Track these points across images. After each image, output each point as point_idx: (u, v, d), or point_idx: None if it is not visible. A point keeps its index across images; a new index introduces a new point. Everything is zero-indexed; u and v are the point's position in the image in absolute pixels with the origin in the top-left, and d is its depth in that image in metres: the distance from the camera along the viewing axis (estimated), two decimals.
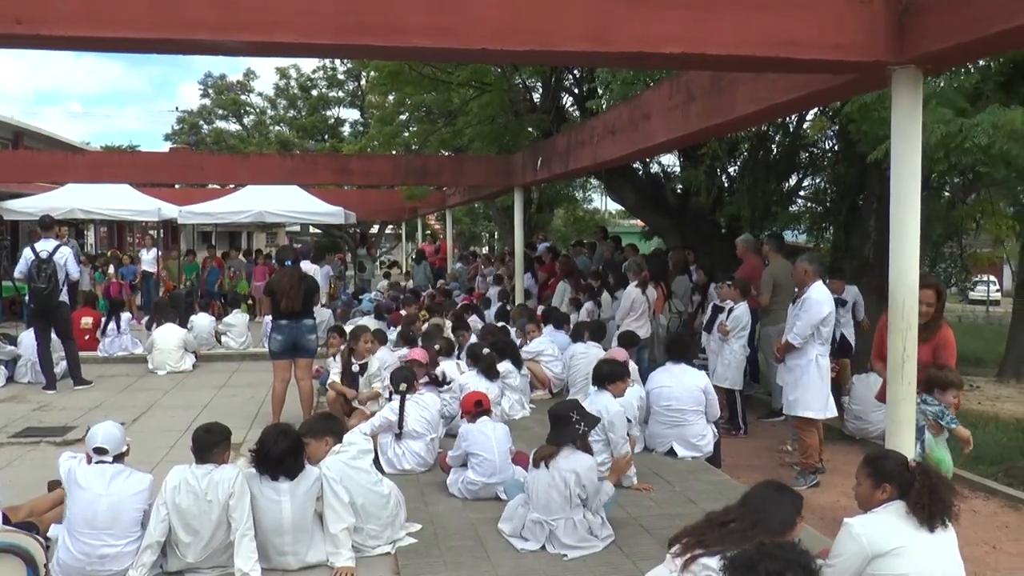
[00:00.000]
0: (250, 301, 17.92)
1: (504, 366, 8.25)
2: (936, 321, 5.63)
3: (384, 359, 8.44)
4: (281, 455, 4.59)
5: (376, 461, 6.37)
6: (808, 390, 7.13)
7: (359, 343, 7.96)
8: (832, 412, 7.29)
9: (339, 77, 33.92)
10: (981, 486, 7.17)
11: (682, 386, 6.97)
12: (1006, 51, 6.60)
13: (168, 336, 11.74)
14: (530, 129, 14.29)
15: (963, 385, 5.68)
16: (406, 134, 18.66)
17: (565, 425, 5.09)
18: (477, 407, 6.25)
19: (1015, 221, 11.79)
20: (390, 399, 6.82)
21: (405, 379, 6.73)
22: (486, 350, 8.06)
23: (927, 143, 6.16)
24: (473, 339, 9.65)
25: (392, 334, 10.67)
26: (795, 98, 5.42)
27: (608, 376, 6.42)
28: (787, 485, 3.77)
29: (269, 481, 4.61)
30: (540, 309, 12.75)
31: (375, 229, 35.31)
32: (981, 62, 7.67)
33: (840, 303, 9.14)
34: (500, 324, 10.79)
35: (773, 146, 12.59)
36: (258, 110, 36.78)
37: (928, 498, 3.54)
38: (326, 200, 19.30)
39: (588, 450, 5.16)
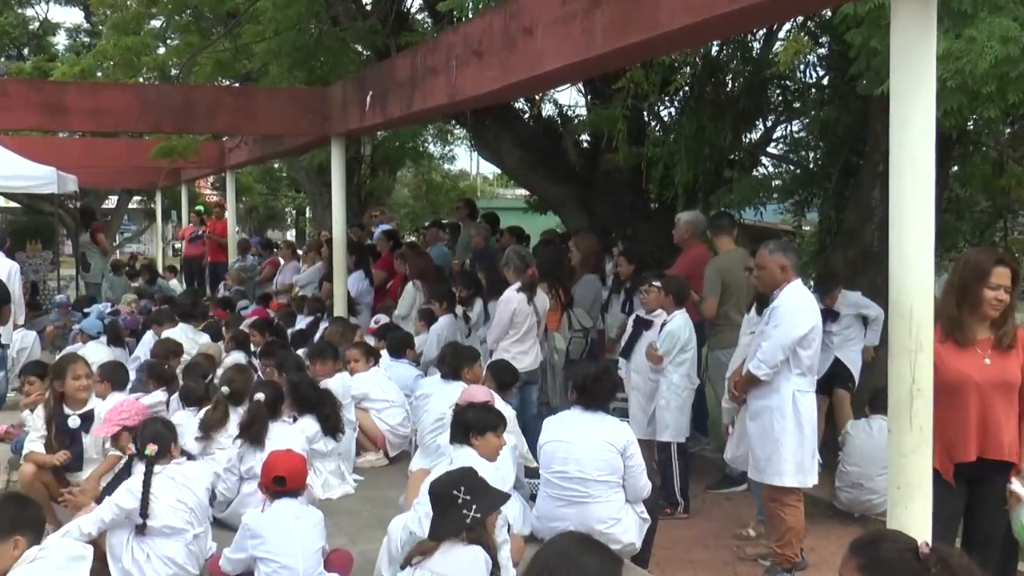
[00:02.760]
0: None
1: (302, 427, 8.12)
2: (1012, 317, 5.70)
3: None
4: None
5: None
6: (783, 445, 7.26)
7: (66, 382, 7.75)
8: (815, 478, 7.48)
9: None
10: None
11: (587, 443, 6.93)
12: None
13: None
14: (357, 47, 14.22)
15: None
16: (161, 51, 18.19)
17: (447, 510, 5.13)
18: (278, 484, 6.18)
19: None
20: (128, 471, 6.64)
21: (155, 438, 6.50)
22: (259, 395, 7.81)
23: (971, 72, 6.33)
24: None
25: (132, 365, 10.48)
26: (747, 6, 5.57)
27: (475, 426, 6.46)
28: (594, 540, 3.90)
29: None
30: (375, 323, 12.73)
31: (111, 203, 34.40)
32: None
33: (829, 316, 9.41)
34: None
35: (727, 78, 12.88)
36: None
37: None
38: (27, 155, 18.74)
39: (484, 543, 5.20)
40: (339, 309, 13.43)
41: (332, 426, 8.38)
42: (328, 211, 15.92)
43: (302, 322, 13.75)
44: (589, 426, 7.04)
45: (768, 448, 7.33)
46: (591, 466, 6.90)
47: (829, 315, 9.43)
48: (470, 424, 6.50)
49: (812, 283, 9.71)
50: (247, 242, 21.93)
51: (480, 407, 6.79)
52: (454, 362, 9.06)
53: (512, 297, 10.02)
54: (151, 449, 6.44)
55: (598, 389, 7.19)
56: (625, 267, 10.77)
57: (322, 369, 9.58)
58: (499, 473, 6.43)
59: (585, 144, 14.38)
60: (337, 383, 9.33)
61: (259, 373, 10.09)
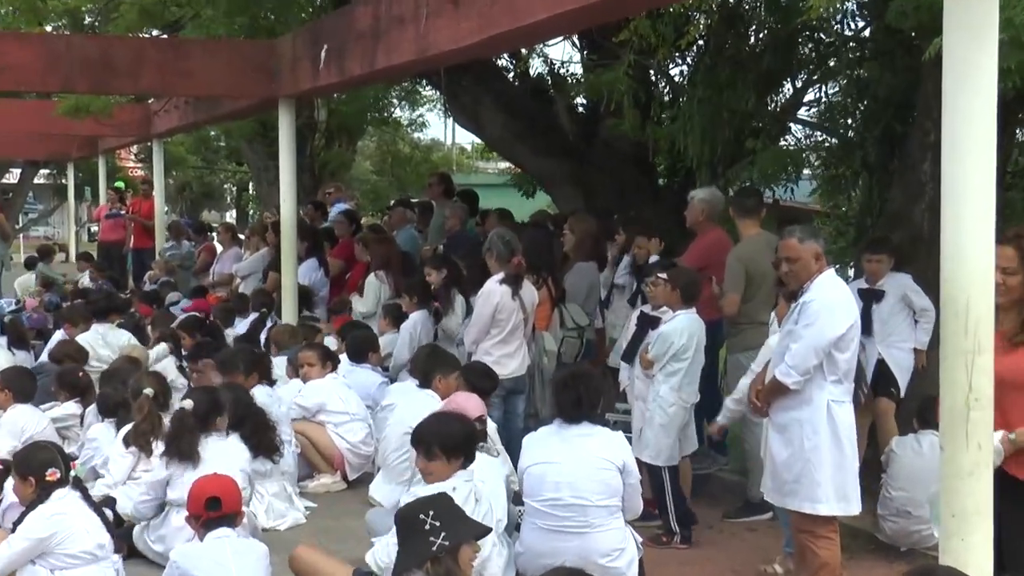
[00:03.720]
0: None
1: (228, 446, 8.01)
2: None
3: (24, 425, 8.36)
4: None
5: None
6: (817, 467, 7.15)
7: None
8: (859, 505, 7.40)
9: None
10: None
11: (580, 462, 6.96)
12: None
13: None
14: None
15: None
16: None
17: (411, 536, 5.17)
18: (211, 509, 6.20)
19: None
20: (39, 498, 6.58)
21: (49, 463, 6.54)
22: (187, 403, 7.78)
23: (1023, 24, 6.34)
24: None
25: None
26: None
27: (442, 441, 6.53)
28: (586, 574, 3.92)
29: None
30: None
31: (12, 177, 34.39)
32: None
33: (873, 296, 9.43)
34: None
35: (750, 31, 12.82)
36: None
37: None
38: None
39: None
40: (289, 304, 13.40)
41: (262, 446, 8.36)
42: (275, 188, 15.92)
43: (244, 321, 13.62)
44: (578, 441, 7.07)
45: (797, 468, 7.19)
46: (589, 490, 6.93)
47: (873, 295, 9.43)
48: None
49: (851, 272, 9.64)
50: (180, 225, 21.85)
51: (453, 419, 6.88)
52: (425, 366, 9.12)
53: (494, 290, 9.91)
54: (50, 473, 6.50)
55: (583, 395, 7.18)
56: (642, 252, 10.68)
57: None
58: (492, 508, 6.56)
59: (580, 109, 14.34)
60: (259, 395, 9.20)
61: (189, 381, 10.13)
